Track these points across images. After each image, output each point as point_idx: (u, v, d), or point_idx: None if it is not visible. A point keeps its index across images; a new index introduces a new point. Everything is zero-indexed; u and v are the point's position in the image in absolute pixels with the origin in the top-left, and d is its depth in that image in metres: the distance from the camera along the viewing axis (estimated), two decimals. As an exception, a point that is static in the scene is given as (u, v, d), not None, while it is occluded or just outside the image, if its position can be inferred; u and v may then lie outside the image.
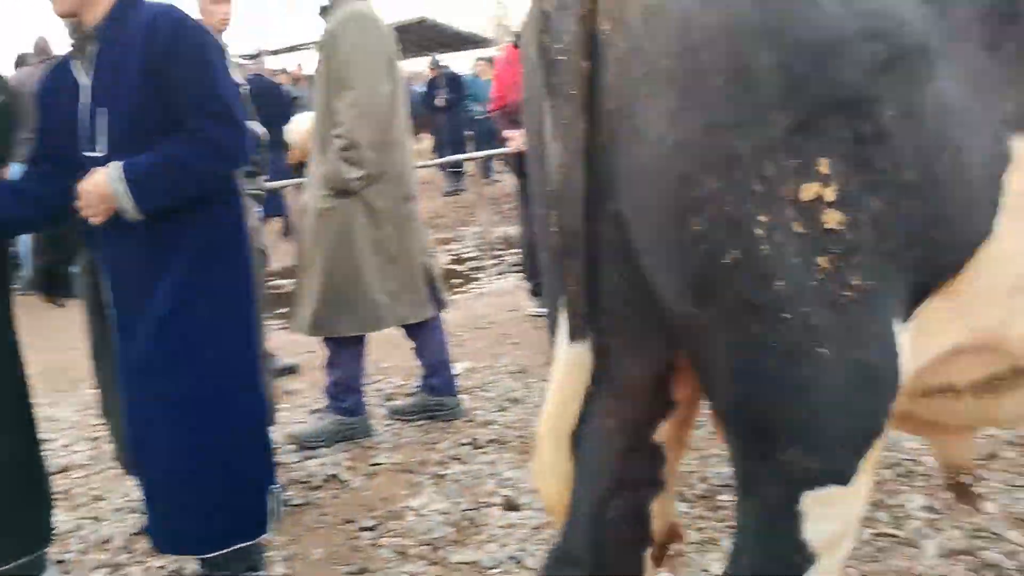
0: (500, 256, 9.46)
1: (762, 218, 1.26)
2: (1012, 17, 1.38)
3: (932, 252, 1.39)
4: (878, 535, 3.00)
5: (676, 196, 1.28)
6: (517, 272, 8.43)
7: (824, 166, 1.26)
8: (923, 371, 1.53)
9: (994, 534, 2.95)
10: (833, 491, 1.42)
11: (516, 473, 3.80)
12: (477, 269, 8.85)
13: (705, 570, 2.90)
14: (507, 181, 14.44)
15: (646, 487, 1.63)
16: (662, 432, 1.60)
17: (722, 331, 1.33)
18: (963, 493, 2.14)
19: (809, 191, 1.26)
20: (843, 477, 1.42)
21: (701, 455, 3.66)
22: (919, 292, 1.43)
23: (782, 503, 1.42)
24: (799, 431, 1.37)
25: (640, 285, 1.42)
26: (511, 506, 3.51)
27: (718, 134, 1.25)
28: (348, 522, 3.49)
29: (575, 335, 1.46)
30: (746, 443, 1.40)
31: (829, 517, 1.44)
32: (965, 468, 2.09)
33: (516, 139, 6.21)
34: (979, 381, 1.69)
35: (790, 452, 1.37)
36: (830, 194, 1.27)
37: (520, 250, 9.28)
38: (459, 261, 9.43)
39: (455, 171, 13.72)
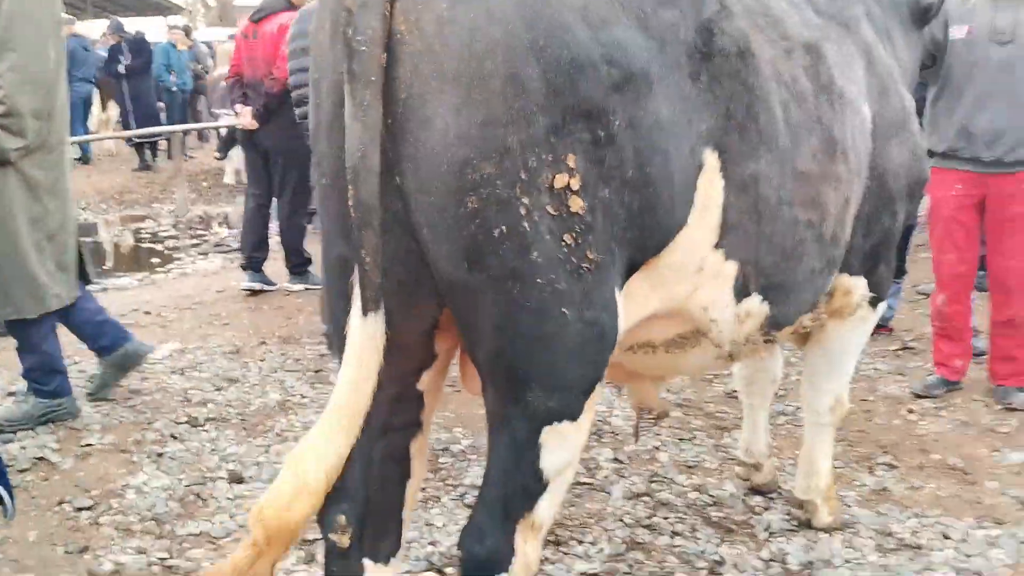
0: (200, 235, 9.13)
1: (525, 200, 1.55)
2: (707, 55, 1.79)
3: (644, 235, 1.76)
4: (574, 484, 3.47)
5: (457, 178, 1.53)
6: (222, 252, 8.22)
7: (571, 161, 1.57)
8: (629, 331, 1.92)
9: (667, 479, 3.55)
10: (566, 426, 1.75)
11: (240, 448, 3.84)
12: (177, 248, 8.48)
13: (429, 524, 3.19)
14: (202, 158, 13.85)
15: (410, 429, 1.87)
16: (424, 381, 1.85)
17: (487, 292, 1.59)
18: (660, 416, 2.66)
19: (560, 180, 1.57)
20: (574, 414, 1.76)
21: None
22: (631, 267, 1.80)
23: (527, 437, 1.72)
24: (543, 376, 1.68)
25: (415, 253, 1.64)
26: (237, 479, 3.57)
27: (495, 128, 1.51)
28: (62, 503, 3.34)
29: (369, 306, 1.61)
30: (501, 387, 1.69)
31: (562, 448, 1.77)
32: (652, 408, 2.58)
33: (245, 114, 6.13)
34: (670, 340, 2.13)
35: (535, 394, 1.68)
36: (575, 183, 1.58)
37: (228, 228, 9.05)
38: (156, 240, 8.96)
39: (145, 144, 12.81)
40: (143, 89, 13.34)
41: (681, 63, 1.74)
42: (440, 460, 3.66)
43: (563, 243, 1.60)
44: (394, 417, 1.82)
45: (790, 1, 2.26)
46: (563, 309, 1.63)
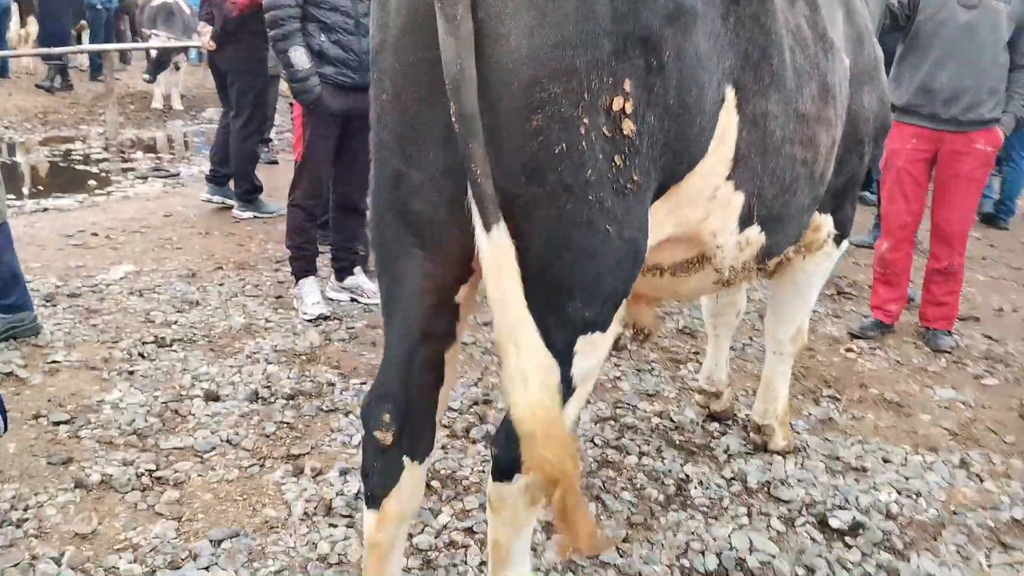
0: (133, 159, 8.86)
1: (585, 120, 1.65)
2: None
3: (675, 161, 1.89)
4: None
5: (526, 95, 1.61)
6: (161, 177, 8.03)
7: (627, 85, 1.68)
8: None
9: (630, 405, 3.75)
10: (597, 336, 1.89)
11: (212, 368, 3.88)
12: (111, 172, 8.21)
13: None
14: (127, 80, 13.32)
15: (445, 339, 1.97)
16: (461, 293, 1.95)
17: (542, 206, 1.70)
18: (642, 338, 2.82)
19: (617, 103, 1.67)
20: (605, 325, 1.89)
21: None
22: (659, 191, 1.93)
23: (564, 346, 1.85)
24: (585, 288, 1.80)
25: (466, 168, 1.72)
26: (213, 397, 3.61)
27: (564, 50, 1.60)
28: (38, 417, 3.34)
29: (491, 219, 1.63)
30: (543, 299, 1.80)
31: (592, 356, 1.91)
32: (646, 326, 2.75)
33: (206, 33, 6.00)
34: (677, 263, 2.28)
35: (576, 304, 1.80)
36: (629, 107, 1.69)
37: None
38: (89, 162, 8.65)
39: (56, 63, 12.12)
40: (56, 5, 12.58)
41: (716, 2, 1.86)
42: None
43: (613, 164, 1.71)
44: (432, 326, 1.91)
45: None
46: (607, 226, 1.75)
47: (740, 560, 2.73)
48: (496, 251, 1.65)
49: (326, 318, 4.53)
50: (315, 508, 2.88)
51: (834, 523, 2.95)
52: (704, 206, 2.10)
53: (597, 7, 1.60)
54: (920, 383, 4.21)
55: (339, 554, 2.65)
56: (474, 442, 3.35)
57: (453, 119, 1.60)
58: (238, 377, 3.81)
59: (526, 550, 2.10)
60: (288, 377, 3.82)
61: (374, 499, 1.97)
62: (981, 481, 3.32)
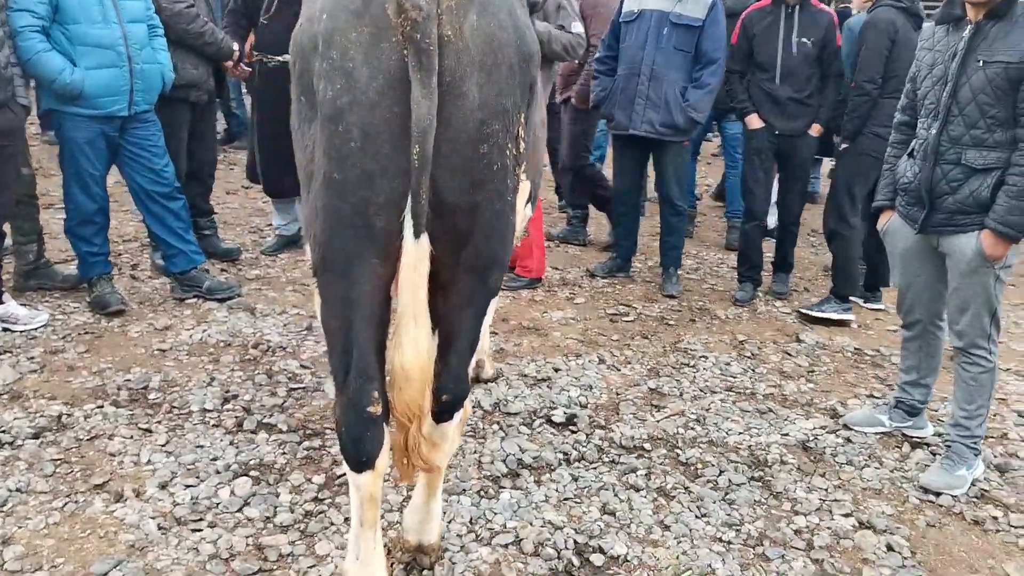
0: None
1: (509, 144, 2.32)
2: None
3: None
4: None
5: (477, 132, 2.22)
6: None
7: (522, 116, 2.40)
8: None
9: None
10: (497, 298, 2.59)
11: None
12: None
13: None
14: None
15: (388, 323, 2.48)
16: (391, 286, 2.48)
17: (481, 209, 2.33)
18: None
19: (520, 130, 2.38)
20: (499, 289, 2.61)
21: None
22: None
23: (484, 307, 2.52)
24: (501, 262, 2.49)
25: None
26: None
27: (501, 98, 2.25)
28: None
29: (420, 230, 2.18)
30: (478, 276, 2.43)
31: (490, 314, 2.61)
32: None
33: None
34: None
35: (495, 275, 2.49)
36: (522, 131, 2.41)
37: None
38: None
39: None
40: None
41: None
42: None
43: (516, 172, 2.42)
44: (384, 314, 2.37)
45: None
46: (510, 216, 2.46)
47: (519, 460, 3.60)
48: (419, 251, 2.24)
49: (-7, 354, 4.24)
50: (166, 522, 3.03)
51: (557, 419, 3.98)
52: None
53: (515, 67, 2.29)
54: (540, 311, 5.47)
55: (227, 549, 2.91)
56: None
57: (414, 158, 2.15)
58: (-44, 432, 3.52)
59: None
60: (15, 418, 3.63)
61: (368, 461, 2.41)
62: (618, 369, 4.66)
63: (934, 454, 3.92)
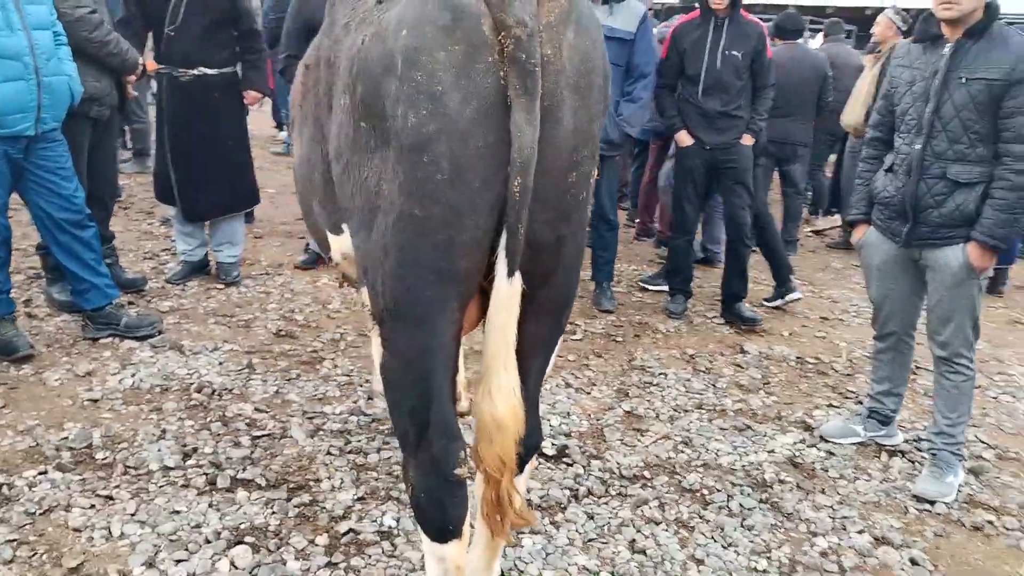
0: None
1: (593, 172, 2.14)
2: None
3: None
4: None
5: (569, 160, 2.01)
6: None
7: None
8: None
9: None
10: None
11: None
12: None
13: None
14: None
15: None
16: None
17: (567, 243, 2.12)
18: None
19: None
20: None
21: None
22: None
23: (555, 348, 2.33)
24: (573, 299, 2.31)
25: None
26: None
27: (590, 123, 2.05)
28: None
29: (514, 269, 1.96)
30: (555, 313, 2.23)
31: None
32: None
33: None
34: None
35: (568, 313, 2.29)
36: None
37: None
38: None
39: None
40: None
41: None
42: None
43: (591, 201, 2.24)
44: (456, 365, 2.16)
45: None
46: (584, 248, 2.28)
47: (528, 500, 3.38)
48: (512, 291, 2.04)
49: None
50: None
51: (548, 452, 3.78)
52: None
53: (602, 89, 2.10)
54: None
55: None
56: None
57: (515, 190, 1.93)
58: None
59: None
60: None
61: (455, 530, 2.14)
62: (587, 392, 4.51)
63: (912, 461, 4.00)
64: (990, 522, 3.50)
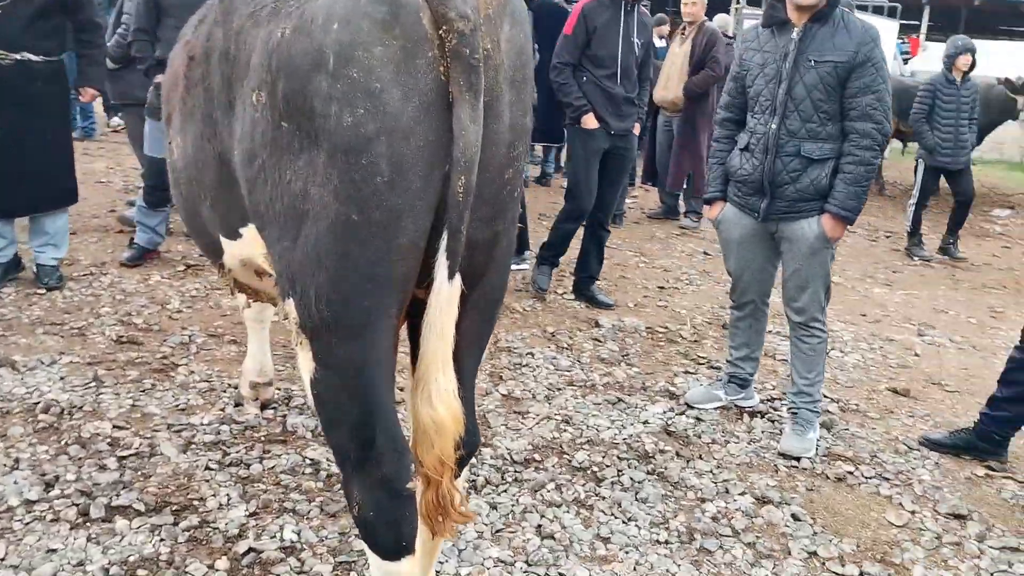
0: None
1: (524, 167, 2.10)
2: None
3: None
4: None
5: (507, 156, 1.96)
6: None
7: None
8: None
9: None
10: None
11: None
12: None
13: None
14: None
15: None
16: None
17: (501, 240, 2.08)
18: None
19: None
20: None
21: None
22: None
23: (486, 346, 2.26)
24: (504, 296, 2.26)
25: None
26: None
27: (525, 117, 2.00)
28: None
29: (454, 272, 1.89)
30: (488, 312, 2.17)
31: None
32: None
33: None
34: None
35: (499, 311, 2.24)
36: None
37: None
38: None
39: None
40: None
41: None
42: None
43: (516, 195, 2.20)
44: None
45: None
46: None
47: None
48: (453, 293, 1.97)
49: None
50: None
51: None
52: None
53: (531, 80, 2.05)
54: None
55: None
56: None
57: (459, 190, 1.86)
58: None
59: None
60: None
61: (408, 546, 2.04)
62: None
63: (771, 421, 4.28)
64: (850, 472, 3.81)
